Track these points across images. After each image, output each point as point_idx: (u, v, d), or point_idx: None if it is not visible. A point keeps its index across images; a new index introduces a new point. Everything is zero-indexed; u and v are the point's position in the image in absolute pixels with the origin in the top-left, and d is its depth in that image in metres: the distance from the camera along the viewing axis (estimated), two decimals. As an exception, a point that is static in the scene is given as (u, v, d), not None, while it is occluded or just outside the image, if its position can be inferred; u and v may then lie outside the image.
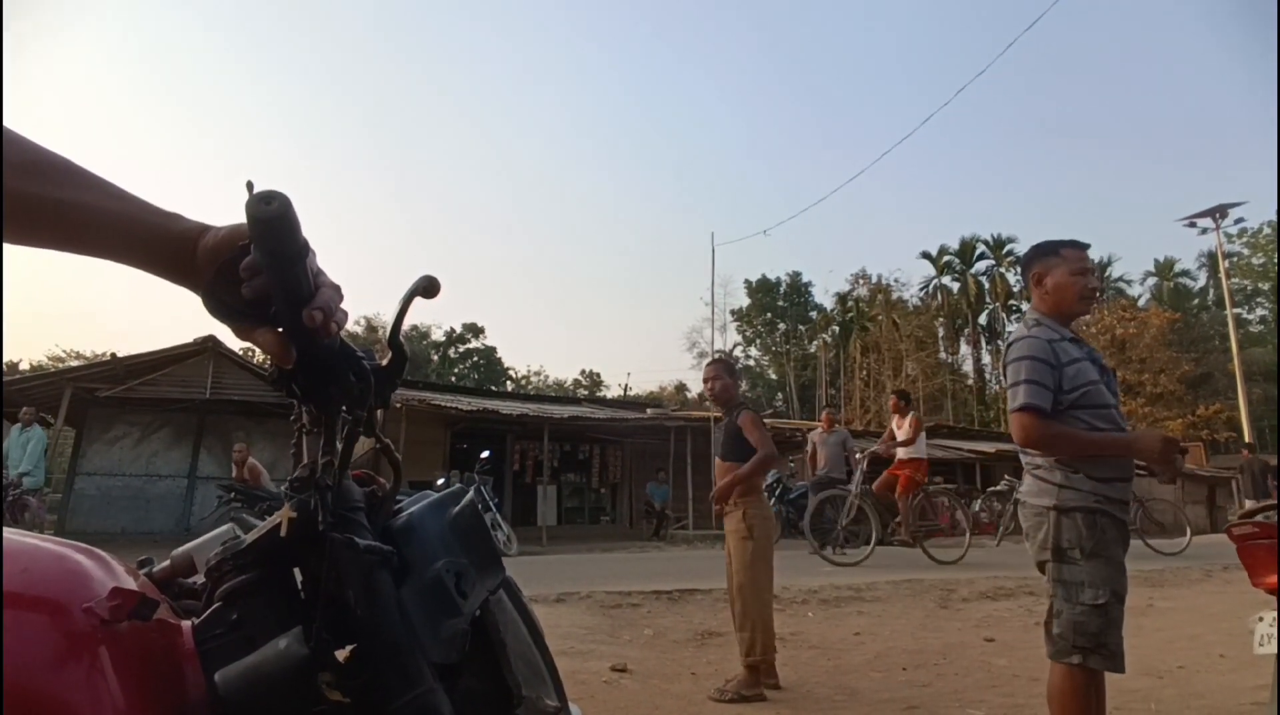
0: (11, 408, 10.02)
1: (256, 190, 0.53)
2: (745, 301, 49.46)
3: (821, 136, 75.95)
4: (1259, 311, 38.77)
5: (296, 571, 0.61)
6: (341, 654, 0.57)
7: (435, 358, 47.41)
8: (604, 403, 21.63)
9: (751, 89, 77.76)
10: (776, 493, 9.57)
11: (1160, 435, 2.09)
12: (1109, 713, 2.17)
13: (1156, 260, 45.16)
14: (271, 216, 0.52)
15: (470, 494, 0.70)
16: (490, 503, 9.41)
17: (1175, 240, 75.05)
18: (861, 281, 46.85)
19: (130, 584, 0.54)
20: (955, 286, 45.87)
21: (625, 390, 45.95)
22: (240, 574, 0.58)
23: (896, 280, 46.01)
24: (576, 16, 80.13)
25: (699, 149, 77.79)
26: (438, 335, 48.50)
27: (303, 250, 0.54)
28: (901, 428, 8.39)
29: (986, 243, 45.28)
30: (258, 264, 0.55)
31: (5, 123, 0.57)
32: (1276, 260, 34.32)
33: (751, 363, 51.21)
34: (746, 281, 49.27)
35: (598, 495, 17.33)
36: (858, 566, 7.59)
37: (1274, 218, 34.09)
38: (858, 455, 8.63)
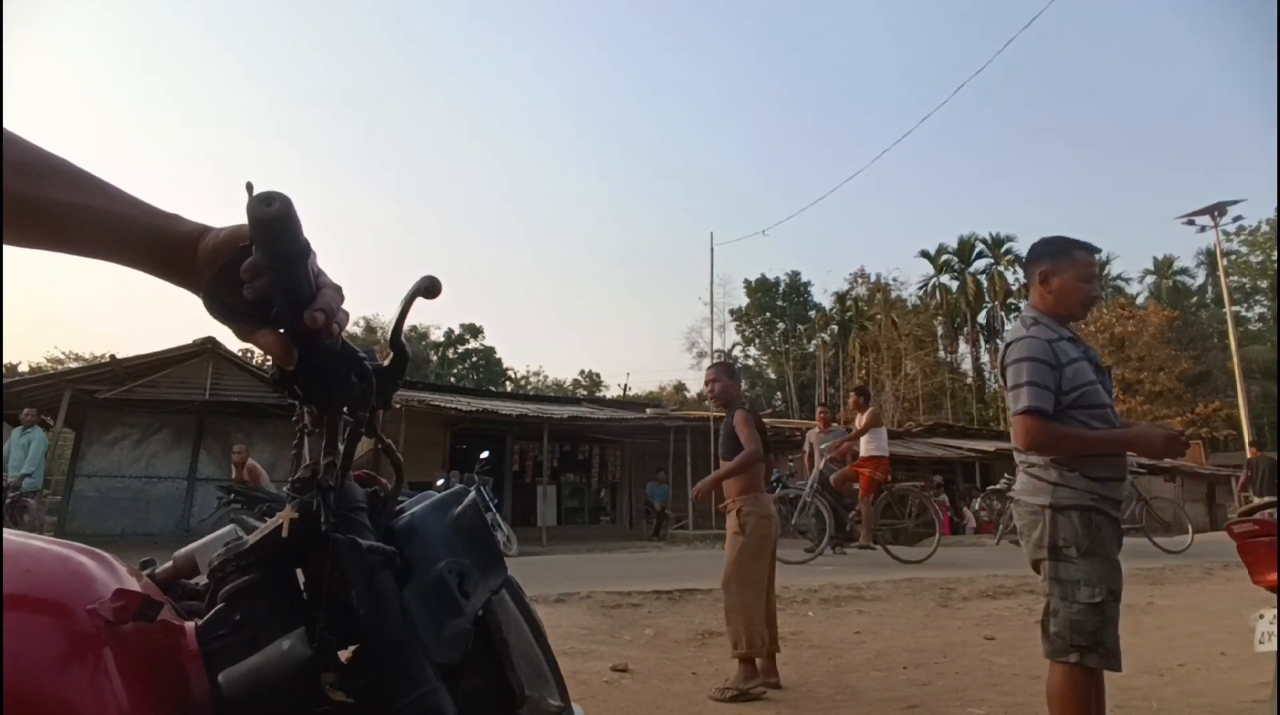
0: (11, 410, 10.01)
1: (257, 191, 0.53)
2: (744, 301, 49.50)
3: (820, 136, 76.03)
4: (1258, 309, 38.81)
5: (299, 572, 0.61)
6: (344, 654, 0.57)
7: (434, 358, 47.38)
8: (603, 403, 21.66)
9: (750, 89, 77.83)
10: (776, 493, 9.55)
11: (1163, 432, 2.09)
12: (1110, 711, 2.18)
13: (1155, 258, 45.26)
14: (273, 217, 0.52)
15: (472, 494, 0.70)
16: (490, 503, 9.41)
17: (1174, 238, 75.11)
18: (860, 281, 46.89)
19: (133, 585, 0.54)
20: (954, 285, 45.88)
21: (625, 390, 46.02)
22: (243, 575, 0.58)
23: (895, 279, 46.08)
24: (575, 16, 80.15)
25: (698, 148, 77.84)
26: (437, 336, 48.51)
27: (304, 251, 0.54)
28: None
29: (985, 241, 45.33)
30: (259, 265, 0.55)
31: (3, 124, 0.57)
32: (1276, 259, 34.36)
33: (750, 362, 51.19)
34: (746, 281, 49.33)
35: (597, 495, 17.34)
36: (806, 566, 7.62)
37: (1272, 216, 34.20)
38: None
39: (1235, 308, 25.02)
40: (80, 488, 13.09)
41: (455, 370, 47.86)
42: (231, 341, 13.80)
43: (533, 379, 51.18)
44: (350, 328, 0.61)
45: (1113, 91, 69.71)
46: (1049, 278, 2.23)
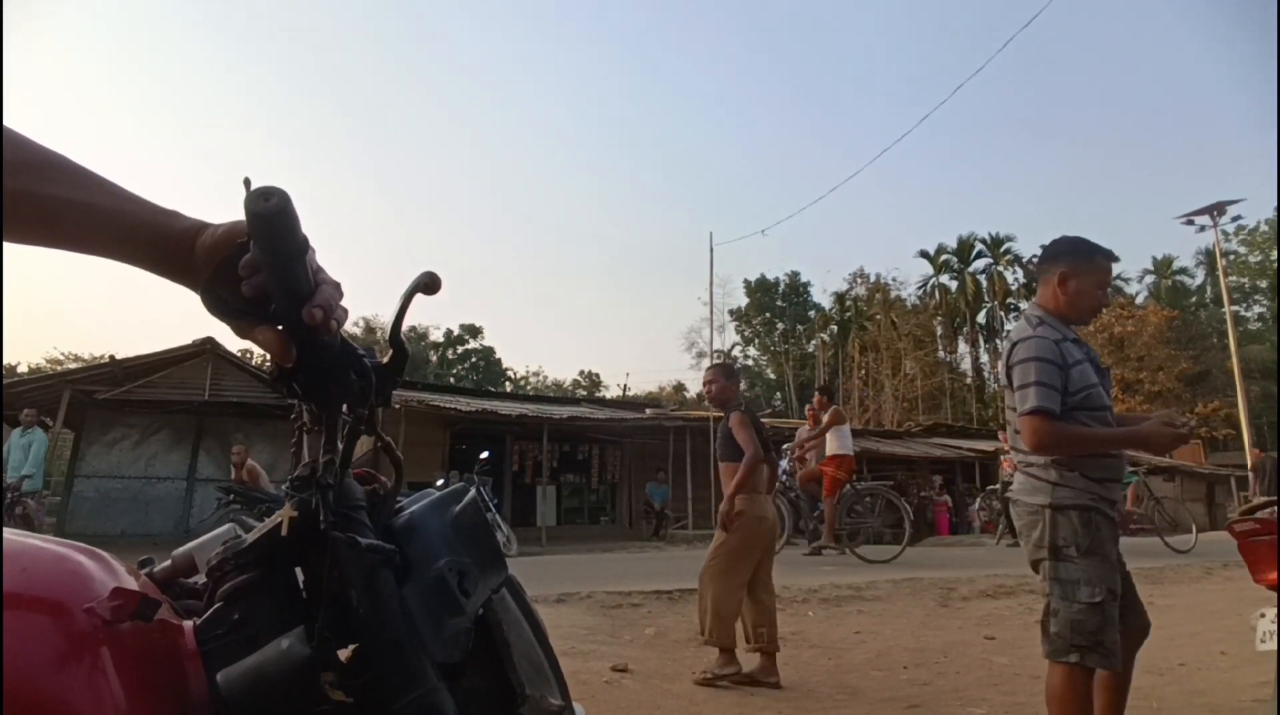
0: (10, 411, 10.01)
1: (255, 186, 0.52)
2: (744, 301, 49.48)
3: (819, 136, 76.02)
4: (1257, 309, 38.84)
5: (298, 571, 0.60)
6: (344, 653, 0.57)
7: (434, 359, 47.40)
8: (603, 403, 21.66)
9: (749, 89, 77.83)
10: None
11: (1170, 431, 2.08)
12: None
13: (1154, 258, 45.26)
14: (271, 212, 0.51)
15: (472, 492, 0.70)
16: (490, 503, 9.41)
17: (1173, 238, 75.07)
18: (859, 280, 46.91)
19: (131, 584, 0.53)
20: (953, 285, 45.91)
21: (624, 390, 46.02)
22: (242, 574, 0.57)
23: (894, 279, 46.09)
24: (573, 15, 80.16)
25: (697, 149, 77.84)
26: (436, 336, 48.54)
27: (302, 246, 0.54)
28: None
29: (984, 241, 45.35)
30: (257, 261, 0.55)
31: (1, 120, 0.57)
32: (1276, 259, 34.39)
33: (750, 362, 51.20)
34: (745, 281, 49.31)
35: (597, 495, 17.34)
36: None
37: (1271, 216, 34.23)
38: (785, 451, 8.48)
39: (1234, 307, 25.03)
40: (79, 488, 13.08)
41: (455, 371, 47.87)
42: (231, 341, 13.82)
43: (532, 379, 51.23)
44: (350, 328, 0.61)
45: (1112, 91, 69.82)
46: (1067, 280, 2.21)
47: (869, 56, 76.42)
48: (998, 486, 12.50)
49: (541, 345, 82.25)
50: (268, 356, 0.58)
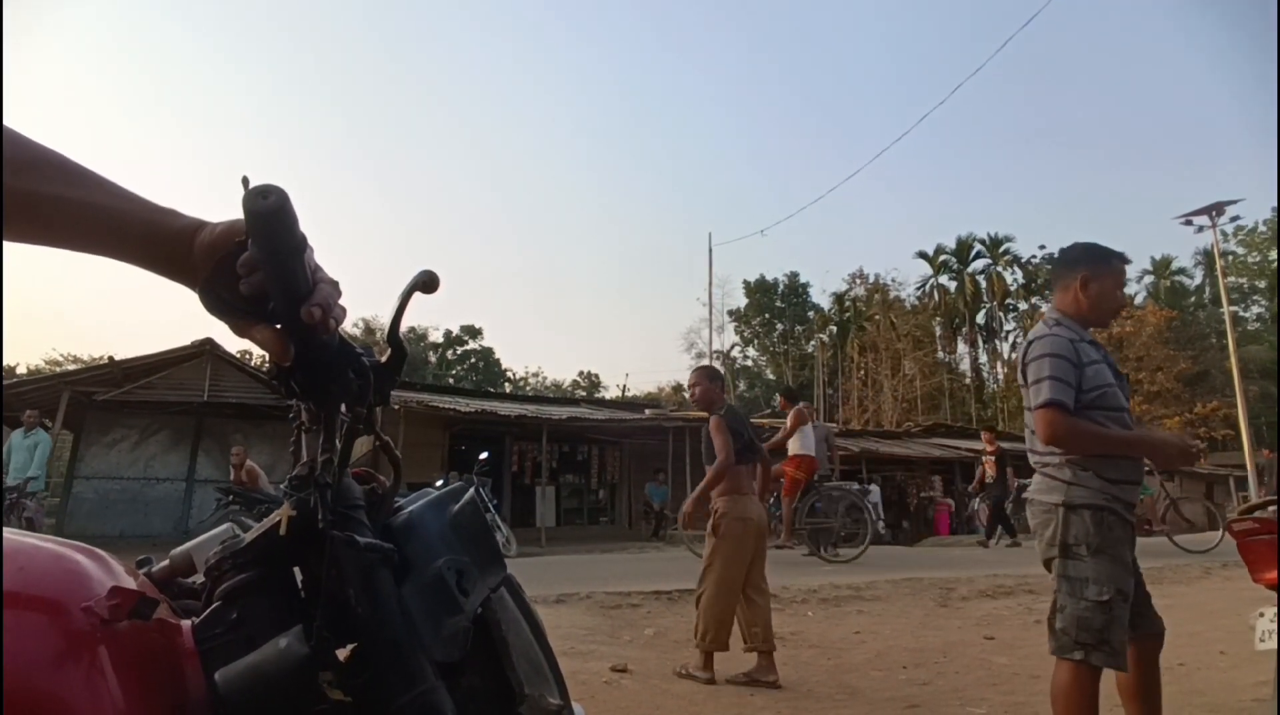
0: (10, 412, 10.00)
1: (253, 184, 0.52)
2: (743, 302, 49.46)
3: (818, 136, 76.06)
4: (1255, 309, 38.86)
5: (296, 570, 0.60)
6: (342, 653, 0.57)
7: (433, 360, 47.36)
8: (602, 403, 21.64)
9: (748, 89, 77.86)
10: (775, 494, 9.53)
11: (1179, 443, 2.13)
12: (1109, 710, 2.17)
13: (1153, 258, 45.23)
14: (269, 210, 0.51)
15: (470, 492, 0.70)
16: (489, 504, 9.40)
17: (1171, 238, 75.29)
18: (859, 281, 46.92)
19: (129, 583, 0.53)
20: (952, 286, 45.93)
21: (623, 391, 46.01)
22: (240, 573, 0.57)
23: (894, 280, 46.07)
24: (572, 15, 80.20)
25: (696, 149, 77.86)
26: (435, 337, 48.49)
27: (300, 244, 0.54)
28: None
29: (983, 242, 45.38)
30: (255, 259, 0.54)
31: (1, 119, 0.57)
32: (1276, 258, 34.43)
33: (749, 363, 51.23)
34: (744, 282, 49.30)
35: (596, 496, 17.33)
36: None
37: (1269, 216, 34.25)
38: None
39: (1233, 308, 25.06)
40: (79, 489, 13.07)
41: (454, 371, 47.84)
42: (230, 342, 13.79)
43: (531, 380, 51.20)
44: (348, 328, 0.61)
45: (1110, 91, 69.87)
46: (1088, 283, 2.26)
47: (869, 57, 76.53)
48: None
49: (541, 346, 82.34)
50: (266, 356, 0.58)
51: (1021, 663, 3.78)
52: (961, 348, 46.67)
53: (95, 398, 12.31)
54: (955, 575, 6.76)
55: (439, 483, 9.50)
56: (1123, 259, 2.31)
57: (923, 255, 46.52)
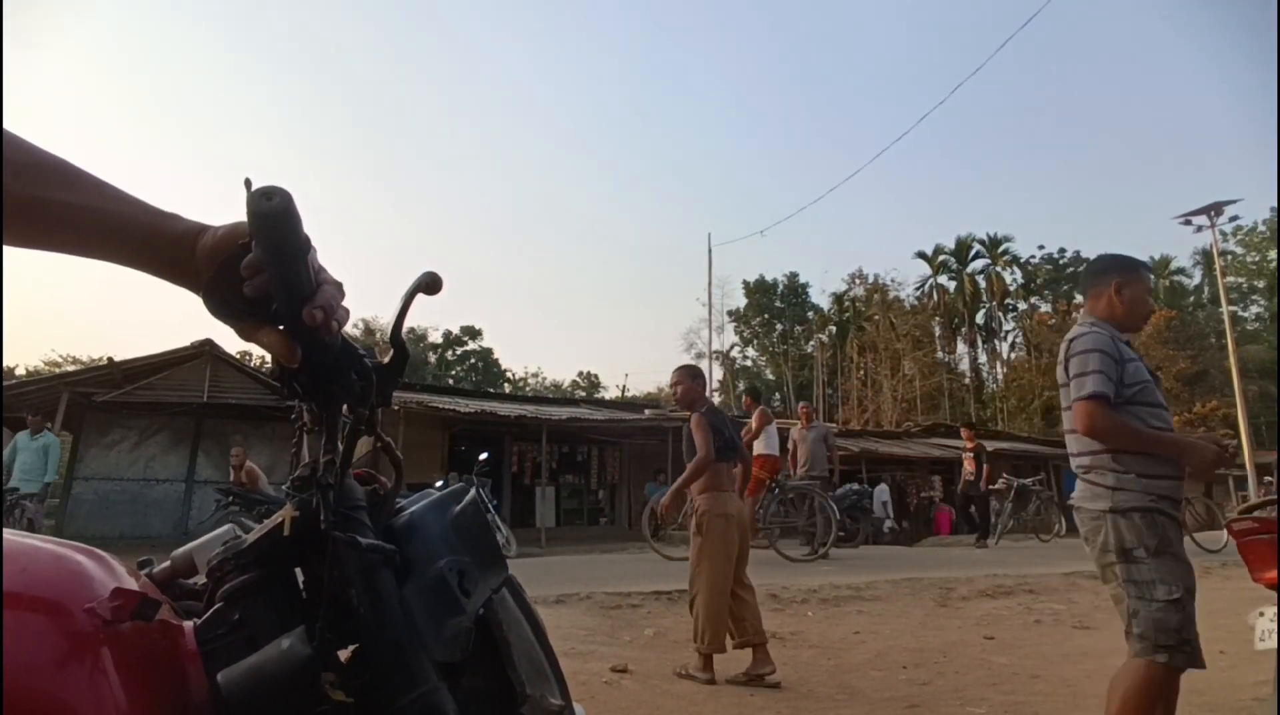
0: (9, 413, 9.99)
1: (257, 186, 0.52)
2: (743, 302, 49.47)
3: (818, 136, 76.10)
4: (1254, 309, 38.90)
5: (298, 571, 0.60)
6: (344, 654, 0.57)
7: (433, 360, 47.37)
8: (602, 404, 21.64)
9: (749, 90, 77.87)
10: (774, 493, 9.52)
11: (1215, 450, 2.13)
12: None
13: (1152, 258, 45.19)
14: (273, 212, 0.51)
15: (472, 492, 0.70)
16: (489, 505, 9.40)
17: (1170, 238, 75.37)
18: (858, 281, 46.93)
19: (131, 584, 0.53)
20: (951, 286, 45.96)
21: (623, 391, 46.01)
22: (242, 574, 0.57)
23: (893, 280, 46.07)
24: (574, 14, 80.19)
25: (696, 149, 77.87)
26: (435, 338, 48.47)
27: (304, 246, 0.54)
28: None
29: (982, 242, 45.42)
30: (259, 261, 0.55)
31: (1, 123, 0.57)
32: (1276, 257, 34.46)
33: (749, 363, 51.24)
34: (744, 282, 49.31)
35: (596, 496, 17.32)
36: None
37: (1268, 215, 34.29)
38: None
39: (1232, 307, 25.07)
40: (78, 491, 13.06)
41: (453, 372, 47.84)
42: (230, 343, 13.78)
43: (531, 380, 51.19)
44: (350, 329, 0.61)
45: (1110, 91, 69.91)
46: (1122, 289, 2.35)
47: (869, 56, 76.56)
48: (997, 486, 12.50)
49: (540, 346, 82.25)
50: (268, 357, 0.58)
51: (1021, 662, 3.78)
52: (961, 348, 46.75)
53: (95, 399, 12.29)
54: (955, 575, 6.76)
55: (439, 483, 9.50)
56: (1149, 268, 2.45)
57: (922, 255, 46.58)
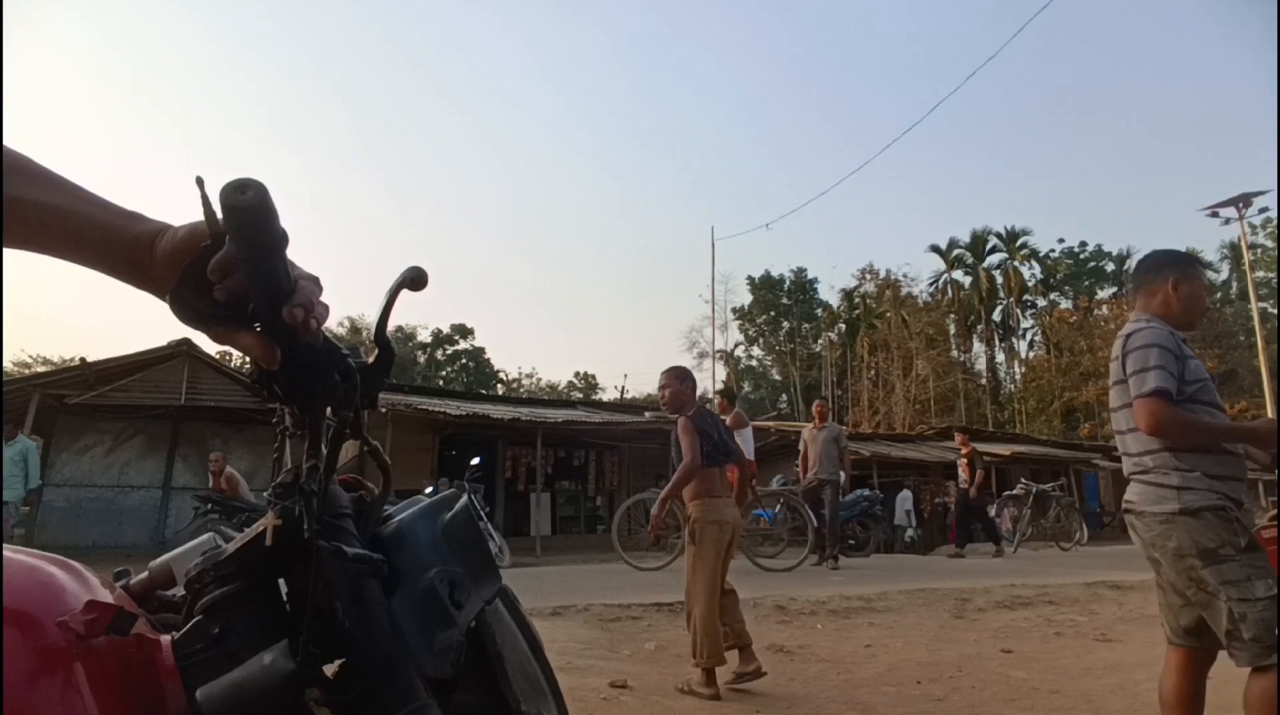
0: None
1: (230, 179, 0.52)
2: (747, 299, 49.57)
3: (827, 125, 76.18)
4: (1284, 305, 38.92)
5: (281, 582, 0.60)
6: (330, 669, 0.57)
7: (422, 360, 47.39)
8: (600, 406, 21.63)
9: (754, 76, 77.95)
10: (782, 498, 9.53)
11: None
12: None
13: (1177, 252, 45.28)
14: (248, 205, 0.51)
15: (464, 499, 0.70)
16: (481, 512, 9.41)
17: (1196, 231, 75.34)
18: (869, 277, 47.00)
19: (106, 597, 0.53)
20: (967, 281, 45.98)
21: (622, 392, 46.03)
22: (222, 585, 0.57)
23: (905, 275, 46.22)
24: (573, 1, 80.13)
25: (699, 140, 78.02)
26: (424, 336, 48.52)
27: (281, 241, 0.54)
28: None
29: (999, 235, 45.42)
30: (232, 259, 0.54)
31: None
32: (1276, 257, 34.48)
33: (754, 363, 51.29)
34: (749, 278, 49.38)
35: (594, 503, 17.33)
36: (663, 571, 8.03)
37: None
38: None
39: (1261, 304, 25.08)
40: (49, 497, 13.04)
41: (443, 372, 47.88)
42: (209, 342, 13.76)
43: (525, 381, 51.23)
44: (333, 327, 0.61)
45: (1133, 77, 69.95)
46: (1179, 285, 2.40)
47: (879, 42, 76.58)
48: (1015, 492, 12.52)
49: (535, 345, 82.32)
50: (248, 358, 0.58)
51: (1041, 677, 3.78)
52: (977, 346, 46.79)
53: (66, 401, 12.29)
54: (971, 585, 6.76)
55: (428, 490, 9.51)
56: (1203, 264, 2.48)
57: (936, 249, 46.60)
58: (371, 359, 0.62)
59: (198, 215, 0.56)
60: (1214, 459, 2.13)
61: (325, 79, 77.36)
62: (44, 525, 12.70)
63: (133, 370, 12.59)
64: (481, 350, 49.94)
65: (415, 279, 0.62)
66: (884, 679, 3.85)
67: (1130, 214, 64.81)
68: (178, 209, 0.62)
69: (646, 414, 17.97)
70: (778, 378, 49.84)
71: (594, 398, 40.14)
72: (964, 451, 11.06)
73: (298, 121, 76.87)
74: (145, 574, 0.70)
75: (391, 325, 0.63)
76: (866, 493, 11.64)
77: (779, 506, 8.87)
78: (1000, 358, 46.40)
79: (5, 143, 0.59)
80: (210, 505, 8.67)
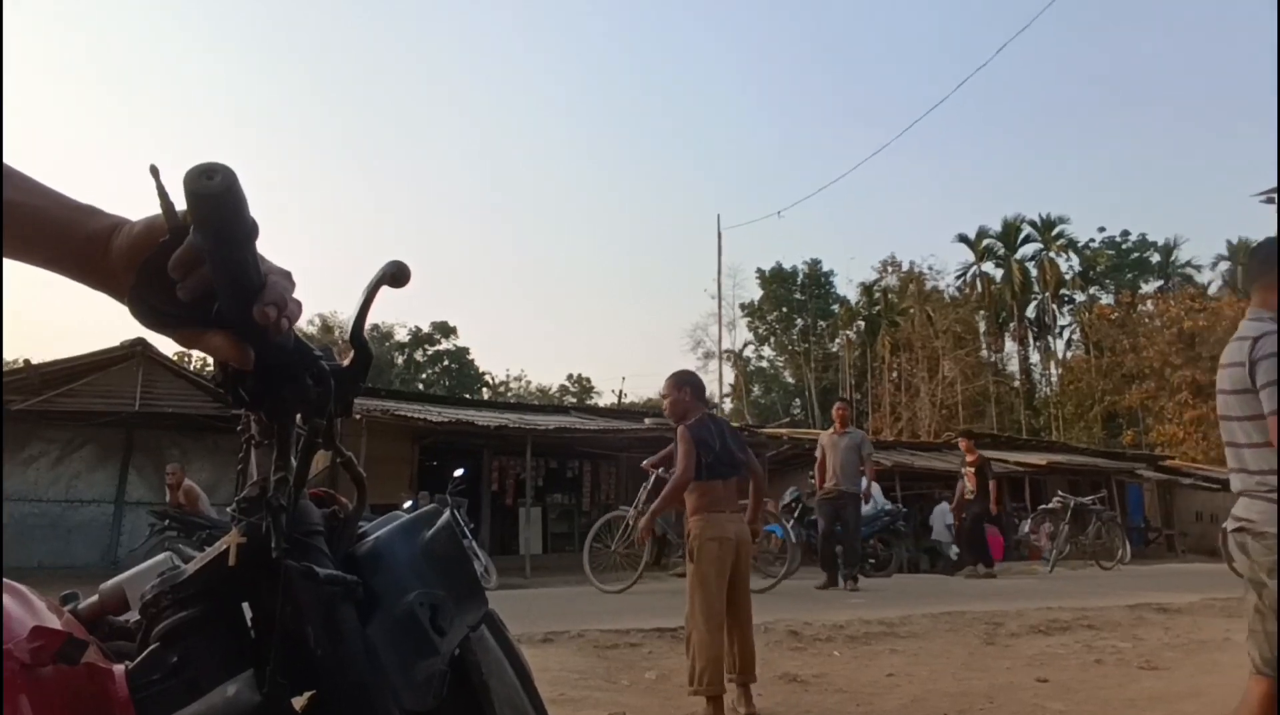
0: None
1: (195, 164, 0.52)
2: (757, 293, 49.58)
3: (844, 104, 76.22)
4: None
5: (246, 607, 0.60)
6: (299, 701, 0.57)
7: (400, 361, 47.42)
8: (595, 412, 21.63)
9: (765, 51, 78.01)
10: (796, 513, 9.53)
11: None
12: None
13: (1229, 242, 45.20)
14: (216, 191, 0.51)
15: (446, 515, 0.70)
16: (465, 529, 9.41)
17: (1250, 218, 75.38)
18: (890, 269, 47.02)
19: (54, 622, 0.53)
20: (998, 274, 46.03)
21: (619, 397, 45.99)
22: (181, 610, 0.57)
23: (930, 268, 46.13)
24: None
25: (704, 120, 78.01)
26: (402, 335, 48.54)
27: (251, 231, 0.54)
28: None
29: (1034, 223, 45.48)
30: (195, 254, 0.54)
31: None
32: (1276, 256, 34.41)
33: (765, 364, 51.34)
34: (759, 271, 49.40)
35: (589, 518, 17.32)
36: (625, 595, 8.08)
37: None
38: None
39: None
40: (-10, 513, 13.07)
41: (424, 375, 47.91)
42: (166, 343, 13.77)
43: (513, 385, 51.31)
44: (304, 326, 0.61)
45: (1178, 57, 70.03)
46: None
47: (899, 13, 76.64)
48: (1052, 506, 12.52)
49: (523, 345, 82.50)
50: (209, 360, 0.58)
51: (1079, 708, 3.78)
52: (1009, 346, 46.82)
53: (9, 407, 12.29)
54: (1003, 608, 6.77)
55: (407, 505, 9.51)
56: None
57: (964, 239, 46.65)
58: (347, 361, 0.62)
59: (157, 209, 0.56)
60: None
61: (294, 54, 77.45)
62: (-16, 543, 12.72)
63: (82, 373, 12.58)
64: (465, 351, 49.97)
65: (396, 274, 0.62)
66: (907, 711, 3.85)
67: (1177, 199, 65.00)
68: (137, 203, 0.62)
69: (646, 420, 17.96)
70: (790, 380, 49.88)
71: (589, 403, 40.19)
72: (970, 459, 11.01)
73: (264, 101, 76.96)
74: (96, 597, 0.70)
75: (369, 324, 0.63)
76: (888, 506, 11.62)
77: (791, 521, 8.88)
78: (1035, 358, 46.50)
79: None
80: (167, 521, 8.68)
